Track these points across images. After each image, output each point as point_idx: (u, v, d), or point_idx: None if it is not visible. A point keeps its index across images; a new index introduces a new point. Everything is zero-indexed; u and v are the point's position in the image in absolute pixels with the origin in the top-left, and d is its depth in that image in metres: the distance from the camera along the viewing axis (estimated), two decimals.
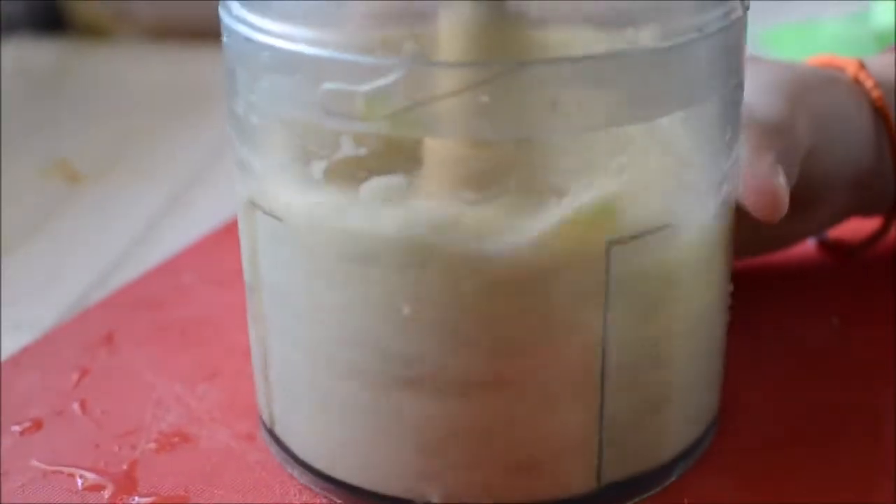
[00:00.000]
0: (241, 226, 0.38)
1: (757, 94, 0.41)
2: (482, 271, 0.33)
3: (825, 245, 0.51)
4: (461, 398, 0.34)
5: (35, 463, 0.39)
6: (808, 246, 0.51)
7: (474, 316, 0.34)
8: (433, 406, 0.35)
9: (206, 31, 0.58)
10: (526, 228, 0.33)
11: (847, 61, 0.46)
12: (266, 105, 0.35)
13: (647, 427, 0.37)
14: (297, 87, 0.33)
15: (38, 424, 0.41)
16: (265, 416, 0.40)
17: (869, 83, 0.45)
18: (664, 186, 0.34)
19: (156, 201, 0.63)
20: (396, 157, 0.33)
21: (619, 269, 0.34)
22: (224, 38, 0.36)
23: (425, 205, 0.33)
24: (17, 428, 0.41)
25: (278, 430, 0.39)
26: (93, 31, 0.91)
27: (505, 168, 0.33)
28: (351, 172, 0.33)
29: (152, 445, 0.40)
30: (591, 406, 0.35)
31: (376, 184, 0.33)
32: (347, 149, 0.33)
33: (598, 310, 0.34)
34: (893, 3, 0.74)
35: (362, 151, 0.33)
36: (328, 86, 0.32)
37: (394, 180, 0.33)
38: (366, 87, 0.32)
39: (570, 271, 0.33)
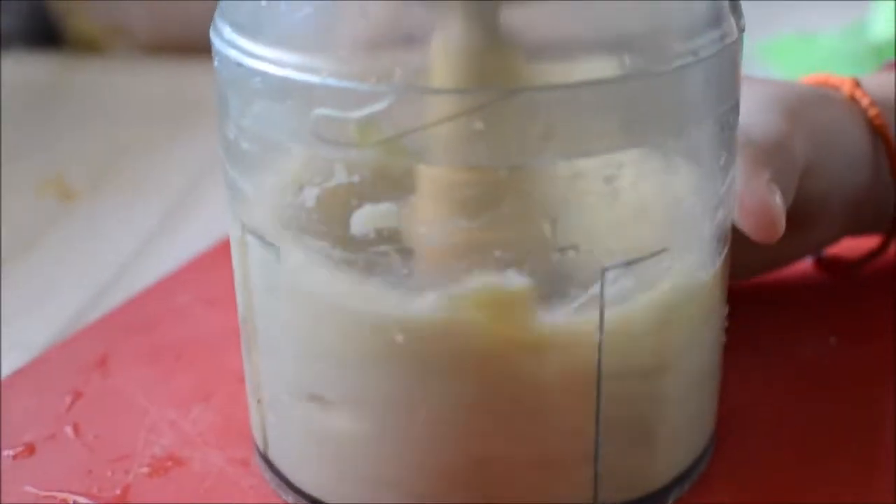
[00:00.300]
0: (233, 249, 0.38)
1: (753, 112, 0.41)
2: (472, 301, 0.33)
3: (822, 263, 0.51)
4: (454, 426, 0.34)
5: (28, 488, 0.39)
6: (806, 264, 0.51)
7: (463, 342, 0.33)
8: (423, 438, 0.35)
9: (201, 47, 0.58)
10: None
11: (842, 80, 0.46)
12: (257, 131, 0.34)
13: (643, 452, 0.36)
14: (288, 113, 0.33)
15: (30, 449, 0.41)
16: (259, 441, 0.39)
17: (865, 101, 0.45)
18: (658, 211, 0.34)
19: (150, 218, 0.63)
20: (389, 184, 0.33)
21: (614, 294, 0.33)
22: (215, 63, 0.36)
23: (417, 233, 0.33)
24: (10, 452, 0.41)
25: (272, 456, 0.39)
26: (88, 47, 0.91)
27: (498, 194, 0.33)
28: (343, 199, 0.33)
29: (145, 470, 0.40)
30: (586, 431, 0.35)
31: (368, 211, 0.33)
32: (340, 176, 0.33)
33: (593, 335, 0.34)
34: (892, 15, 0.74)
35: (354, 178, 0.33)
36: (319, 112, 0.32)
37: (385, 208, 0.33)
38: (357, 114, 0.32)
39: (565, 298, 0.33)
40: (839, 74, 0.47)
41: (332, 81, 0.32)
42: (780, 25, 0.82)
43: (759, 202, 0.38)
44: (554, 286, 0.33)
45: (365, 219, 0.33)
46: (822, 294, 0.49)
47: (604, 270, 0.33)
